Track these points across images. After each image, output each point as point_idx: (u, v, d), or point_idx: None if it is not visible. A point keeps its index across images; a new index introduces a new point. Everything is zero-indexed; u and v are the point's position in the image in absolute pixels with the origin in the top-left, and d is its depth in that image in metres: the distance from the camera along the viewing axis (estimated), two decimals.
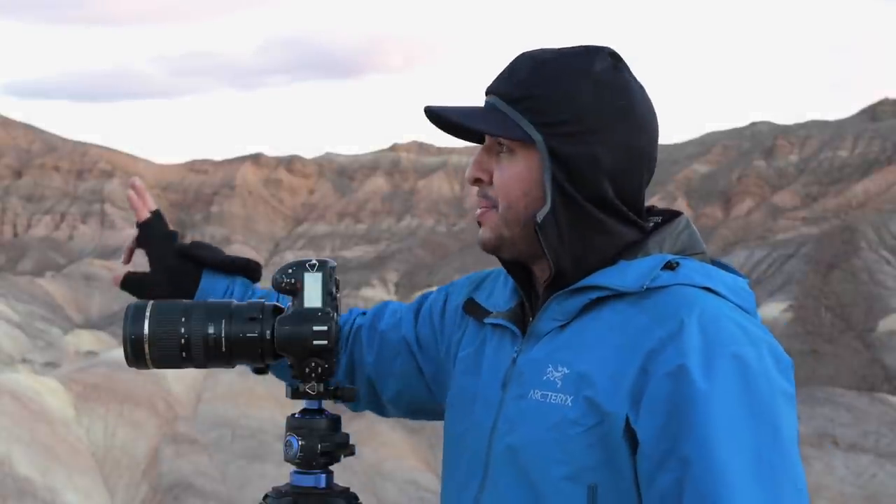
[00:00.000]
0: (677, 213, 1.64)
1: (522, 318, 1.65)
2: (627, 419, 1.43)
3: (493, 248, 1.61)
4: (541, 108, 1.54)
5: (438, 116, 1.60)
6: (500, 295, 1.73)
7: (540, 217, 1.53)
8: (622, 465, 1.45)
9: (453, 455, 1.68)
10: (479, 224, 1.62)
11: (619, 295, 1.52)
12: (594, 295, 1.53)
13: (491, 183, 1.59)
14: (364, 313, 1.94)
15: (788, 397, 1.44)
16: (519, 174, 1.56)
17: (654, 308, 1.48)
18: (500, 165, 1.58)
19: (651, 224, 1.63)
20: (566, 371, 1.50)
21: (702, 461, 1.37)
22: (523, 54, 1.61)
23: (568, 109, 1.54)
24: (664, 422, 1.40)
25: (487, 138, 1.60)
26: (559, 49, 1.60)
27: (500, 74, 1.60)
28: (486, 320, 1.71)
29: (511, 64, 1.61)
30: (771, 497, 1.36)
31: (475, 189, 1.64)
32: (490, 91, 1.60)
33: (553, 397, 1.50)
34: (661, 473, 1.40)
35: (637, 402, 1.43)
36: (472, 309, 1.76)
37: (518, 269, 1.65)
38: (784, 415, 1.41)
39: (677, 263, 1.52)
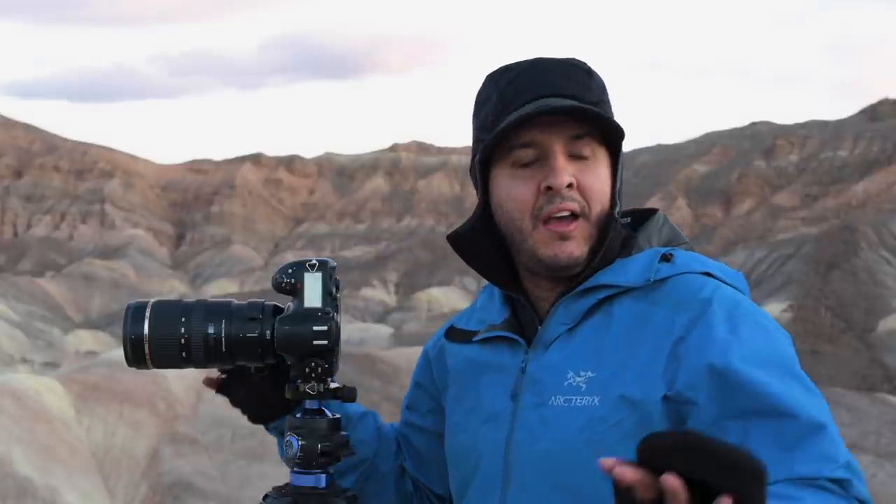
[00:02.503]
0: (652, 211, 1.66)
1: (520, 328, 1.63)
2: (664, 400, 1.44)
3: (583, 260, 1.54)
4: (609, 112, 1.58)
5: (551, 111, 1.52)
6: (487, 312, 1.71)
7: (617, 213, 1.55)
8: None
9: (461, 476, 1.67)
10: (563, 238, 1.53)
11: (624, 291, 1.53)
12: (602, 294, 1.54)
13: (575, 189, 1.53)
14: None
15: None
16: (606, 178, 1.56)
17: (668, 299, 1.50)
18: (588, 170, 1.54)
19: (625, 223, 1.65)
20: (591, 374, 1.50)
21: (753, 395, 1.39)
22: (552, 61, 1.58)
23: (612, 115, 1.60)
24: (708, 391, 1.42)
25: (562, 144, 1.53)
26: (569, 58, 1.60)
27: (551, 79, 1.55)
28: (477, 338, 1.68)
29: (554, 70, 1.57)
30: (812, 393, 1.42)
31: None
32: (554, 93, 1.54)
33: (578, 401, 1.49)
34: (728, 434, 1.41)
35: (673, 382, 1.44)
36: (454, 334, 1.75)
37: (516, 285, 1.64)
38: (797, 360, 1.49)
39: (671, 255, 1.55)
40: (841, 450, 1.37)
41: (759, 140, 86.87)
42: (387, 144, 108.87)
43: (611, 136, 1.55)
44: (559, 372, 1.53)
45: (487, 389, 1.63)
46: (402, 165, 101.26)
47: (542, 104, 1.52)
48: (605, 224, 1.54)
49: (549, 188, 1.52)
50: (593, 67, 1.60)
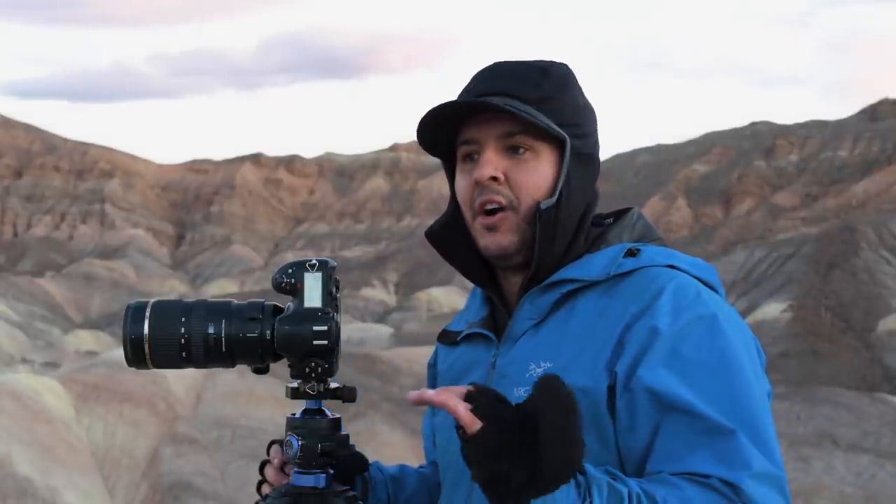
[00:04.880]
0: (628, 209, 1.70)
1: (494, 325, 1.68)
2: (608, 391, 1.48)
3: (514, 251, 1.59)
4: (560, 110, 1.59)
5: (465, 107, 1.59)
6: (470, 311, 1.77)
7: (544, 205, 1.57)
8: (608, 439, 1.49)
9: (443, 469, 1.72)
10: (489, 229, 1.60)
11: (589, 286, 1.57)
12: (565, 289, 1.57)
13: (504, 182, 1.59)
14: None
15: (749, 351, 1.51)
16: (545, 173, 1.59)
17: (625, 291, 1.54)
18: (521, 165, 1.59)
19: (606, 222, 1.70)
20: (549, 365, 1.54)
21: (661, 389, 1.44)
22: (509, 63, 1.63)
23: (575, 112, 1.62)
24: (628, 388, 1.47)
25: (495, 140, 1.59)
26: (535, 60, 1.65)
27: (498, 79, 1.60)
28: (459, 337, 1.74)
29: (505, 71, 1.61)
30: (739, 397, 1.43)
31: (474, 192, 1.61)
32: (495, 92, 1.59)
33: None
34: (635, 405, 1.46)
35: (612, 373, 1.49)
36: (445, 337, 1.80)
37: (489, 282, 1.68)
38: (745, 357, 1.48)
39: (638, 250, 1.59)
40: (754, 457, 1.39)
41: (759, 140, 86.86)
42: (387, 144, 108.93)
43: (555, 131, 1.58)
44: (522, 364, 1.57)
45: (463, 384, 1.66)
46: (402, 165, 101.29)
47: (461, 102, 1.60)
48: (536, 217, 1.57)
49: (476, 181, 1.59)
50: (559, 67, 1.63)
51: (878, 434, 26.32)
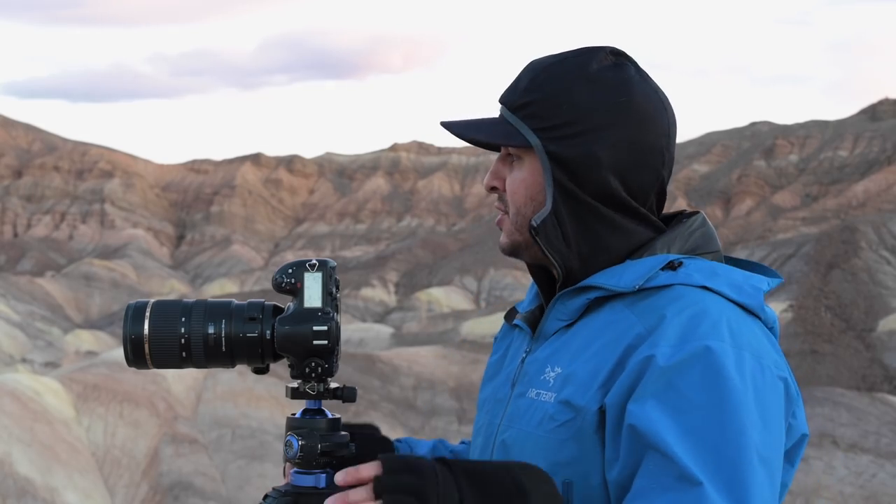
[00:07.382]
0: (693, 212, 1.64)
1: (540, 320, 1.68)
2: (599, 412, 1.44)
3: (510, 252, 1.66)
4: (539, 114, 1.57)
5: (450, 128, 1.66)
6: (528, 298, 1.79)
7: (536, 221, 1.57)
8: (594, 461, 1.45)
9: (473, 454, 1.74)
10: (500, 229, 1.68)
11: (618, 295, 1.52)
12: (592, 295, 1.55)
13: (504, 190, 1.64)
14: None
15: (761, 400, 1.39)
16: (524, 180, 1.60)
17: (643, 307, 1.48)
18: (512, 175, 1.62)
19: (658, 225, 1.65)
20: (559, 370, 1.52)
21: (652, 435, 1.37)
22: (530, 62, 1.64)
23: (564, 112, 1.55)
24: (619, 420, 1.41)
25: (503, 147, 1.64)
26: (561, 53, 1.62)
27: (510, 84, 1.65)
28: (514, 322, 1.76)
29: (520, 73, 1.65)
30: (720, 445, 1.34)
31: (493, 195, 1.69)
32: (500, 101, 1.65)
33: (543, 395, 1.52)
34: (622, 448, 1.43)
35: (606, 395, 1.44)
36: (510, 315, 1.81)
37: (541, 272, 1.68)
38: (745, 402, 1.37)
39: (680, 263, 1.51)
40: None
41: (759, 140, 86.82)
42: (387, 144, 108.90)
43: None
44: (542, 366, 1.57)
45: (501, 374, 1.71)
46: (402, 165, 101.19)
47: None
48: (522, 225, 1.61)
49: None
50: (572, 61, 1.58)
51: (878, 434, 26.30)
